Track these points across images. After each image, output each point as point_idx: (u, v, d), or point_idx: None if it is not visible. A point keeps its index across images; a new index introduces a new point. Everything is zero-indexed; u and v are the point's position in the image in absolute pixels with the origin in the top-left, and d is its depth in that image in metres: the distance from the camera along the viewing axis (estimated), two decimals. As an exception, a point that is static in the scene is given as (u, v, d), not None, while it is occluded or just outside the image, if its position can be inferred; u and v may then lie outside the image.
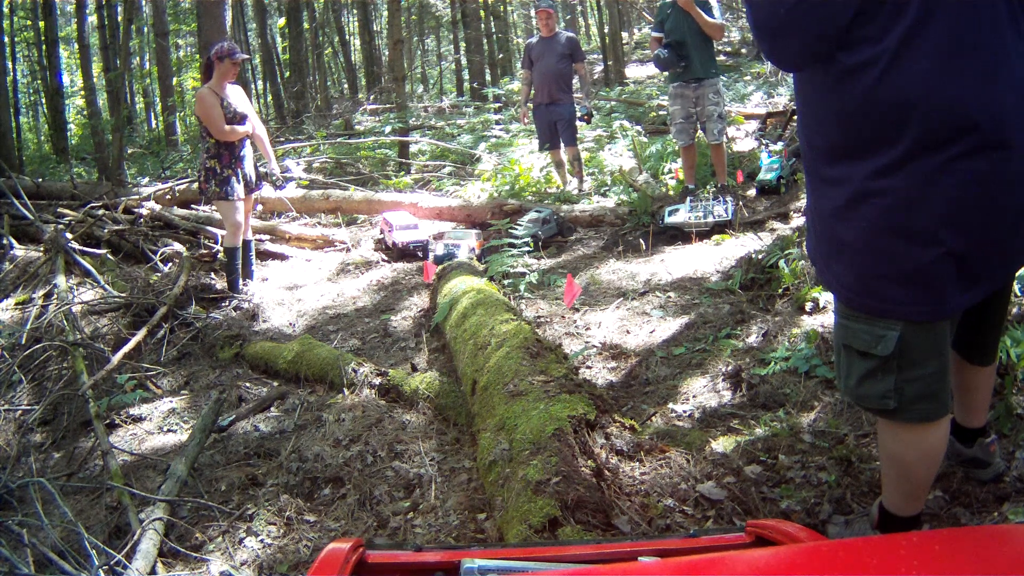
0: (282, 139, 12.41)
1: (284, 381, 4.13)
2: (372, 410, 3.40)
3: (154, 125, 20.39)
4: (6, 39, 13.33)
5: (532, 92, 7.39)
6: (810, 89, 1.72)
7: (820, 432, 2.74)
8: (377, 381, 3.67)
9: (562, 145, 7.37)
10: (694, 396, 3.31)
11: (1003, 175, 1.58)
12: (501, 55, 19.40)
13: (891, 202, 1.61)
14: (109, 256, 6.04)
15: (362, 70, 22.69)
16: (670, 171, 7.37)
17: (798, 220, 5.51)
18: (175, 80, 17.94)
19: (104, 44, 14.18)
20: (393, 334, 4.74)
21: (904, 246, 1.63)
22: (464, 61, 19.90)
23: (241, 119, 5.21)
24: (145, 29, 20.26)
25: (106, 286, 5.26)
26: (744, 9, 1.75)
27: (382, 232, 6.70)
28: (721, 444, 2.72)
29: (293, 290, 5.78)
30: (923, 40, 1.52)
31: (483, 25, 18.22)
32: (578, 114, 7.31)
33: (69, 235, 5.85)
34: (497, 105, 14.25)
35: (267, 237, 6.83)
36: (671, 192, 6.60)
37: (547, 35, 7.23)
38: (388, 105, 14.98)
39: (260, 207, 7.49)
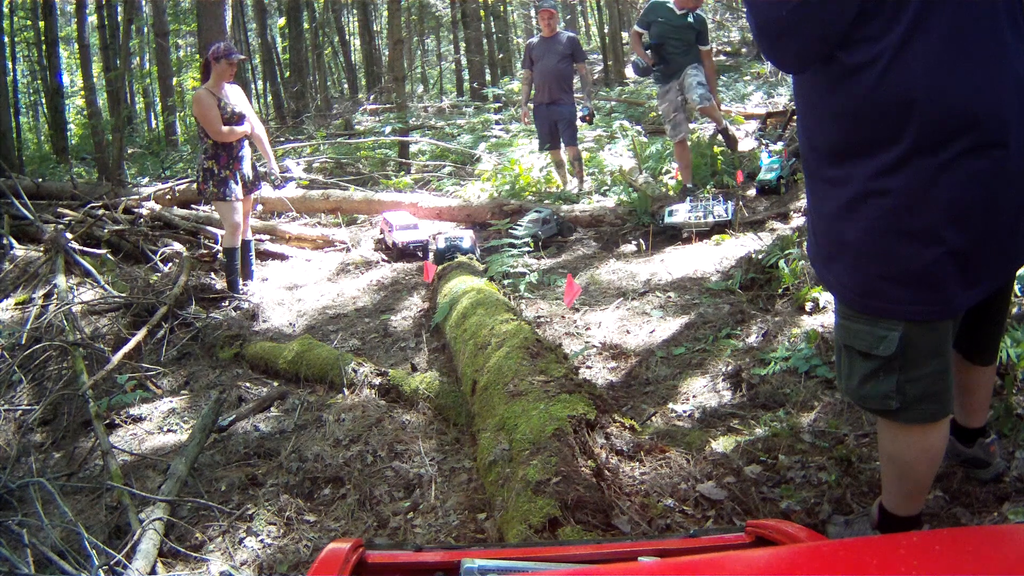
0: (282, 139, 12.40)
1: (284, 381, 4.13)
2: (372, 410, 3.40)
3: (154, 125, 20.39)
4: (6, 39, 13.33)
5: (533, 92, 7.39)
6: (810, 89, 1.71)
7: (820, 432, 2.74)
8: (377, 381, 3.67)
9: (562, 145, 7.37)
10: (694, 396, 3.31)
11: (1003, 173, 1.58)
12: (501, 55, 19.41)
13: (893, 201, 1.60)
14: (109, 256, 6.04)
15: (362, 70, 22.69)
16: (669, 171, 7.37)
17: (798, 220, 5.51)
18: (175, 80, 17.94)
19: (104, 44, 14.17)
20: (393, 334, 4.73)
21: (906, 245, 1.62)
22: (464, 61, 19.90)
23: (239, 119, 5.21)
24: (145, 29, 20.24)
25: (106, 286, 5.26)
26: (744, 9, 1.75)
27: (382, 232, 6.70)
28: (721, 444, 2.72)
29: (293, 290, 5.78)
30: (923, 38, 1.52)
31: (483, 25, 18.24)
32: (580, 114, 7.32)
33: (69, 235, 5.85)
34: (497, 105, 14.24)
35: (267, 237, 6.83)
36: (671, 192, 6.61)
37: (548, 35, 7.23)
38: (388, 105, 14.96)
39: (260, 207, 7.49)
